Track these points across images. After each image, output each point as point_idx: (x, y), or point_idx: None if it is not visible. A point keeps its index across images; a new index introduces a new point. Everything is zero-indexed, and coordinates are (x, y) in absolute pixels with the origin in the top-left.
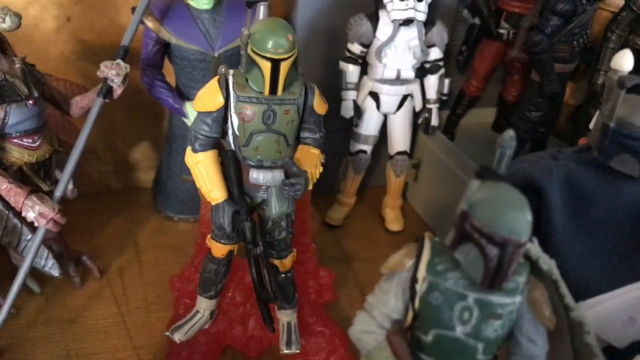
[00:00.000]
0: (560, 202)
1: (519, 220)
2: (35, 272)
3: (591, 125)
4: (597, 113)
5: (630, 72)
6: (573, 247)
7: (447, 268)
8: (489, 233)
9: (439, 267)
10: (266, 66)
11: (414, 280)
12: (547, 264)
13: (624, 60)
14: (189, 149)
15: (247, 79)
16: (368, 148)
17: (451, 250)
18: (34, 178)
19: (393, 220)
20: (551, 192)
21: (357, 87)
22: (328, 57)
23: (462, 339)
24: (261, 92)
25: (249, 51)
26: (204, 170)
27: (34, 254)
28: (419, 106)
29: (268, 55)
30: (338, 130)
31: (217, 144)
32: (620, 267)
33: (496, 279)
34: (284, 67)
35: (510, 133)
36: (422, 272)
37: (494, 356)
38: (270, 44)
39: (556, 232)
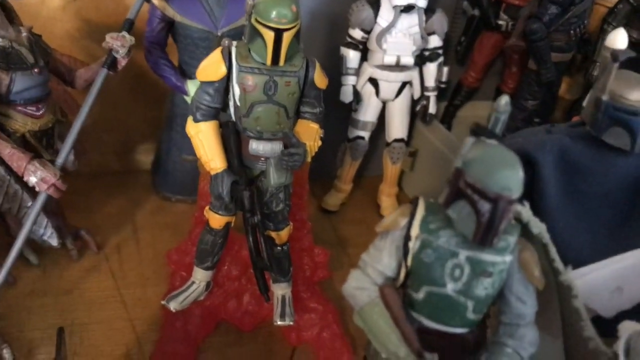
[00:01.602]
0: (553, 174)
1: (511, 177)
2: (33, 245)
3: (584, 103)
4: (591, 90)
5: (626, 63)
6: (565, 218)
7: (440, 226)
8: (482, 189)
9: (432, 226)
10: (269, 36)
11: (407, 238)
12: (538, 227)
13: (617, 38)
14: (190, 119)
15: (249, 50)
16: (366, 134)
17: (445, 208)
18: (37, 146)
19: (388, 208)
20: (544, 164)
21: (357, 72)
22: (330, 43)
23: (453, 296)
24: (263, 63)
25: (253, 21)
26: (204, 140)
27: (33, 218)
28: (417, 94)
29: (271, 24)
30: (337, 117)
31: (218, 114)
32: (611, 239)
33: (488, 235)
34: (286, 37)
35: (505, 98)
36: (415, 230)
37: (484, 316)
38: (274, 14)
39: (549, 204)
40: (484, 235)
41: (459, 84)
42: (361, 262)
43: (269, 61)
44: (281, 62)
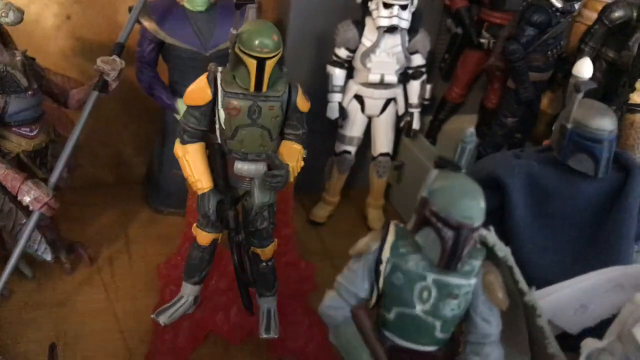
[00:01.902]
0: (521, 197)
1: (472, 206)
2: (28, 258)
3: (554, 128)
4: (558, 117)
5: (601, 81)
6: (533, 240)
7: (409, 251)
8: (445, 217)
9: (401, 250)
10: (252, 64)
11: (378, 261)
12: (503, 250)
13: (583, 67)
14: (177, 141)
15: (234, 76)
16: (352, 149)
17: (413, 234)
18: (30, 165)
19: (375, 220)
20: (513, 188)
21: (343, 90)
22: (317, 60)
23: (422, 316)
24: (247, 89)
25: (237, 50)
26: (191, 161)
27: (27, 235)
28: (401, 110)
29: (254, 54)
30: (324, 132)
31: (205, 136)
32: (577, 260)
33: (452, 260)
34: (268, 66)
35: (471, 130)
36: (386, 254)
37: (452, 334)
38: (256, 43)
39: (517, 226)
40: (449, 260)
41: (443, 99)
42: (336, 284)
43: (252, 87)
44: (264, 89)
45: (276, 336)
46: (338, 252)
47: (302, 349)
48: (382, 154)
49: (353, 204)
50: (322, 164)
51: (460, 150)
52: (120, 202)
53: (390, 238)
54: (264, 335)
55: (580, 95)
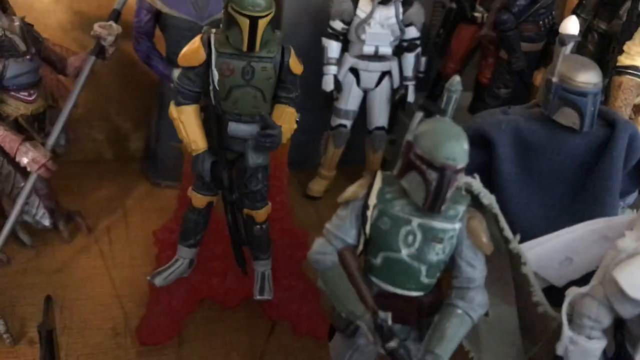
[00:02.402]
0: (508, 153)
1: (455, 148)
2: (27, 226)
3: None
4: (546, 71)
5: (594, 53)
6: (520, 195)
7: (395, 196)
8: (429, 159)
9: (387, 196)
10: (245, 23)
11: (365, 207)
12: (488, 198)
13: (569, 24)
14: (172, 103)
15: (227, 37)
16: (348, 122)
17: (398, 179)
18: (29, 130)
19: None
20: (500, 143)
21: (338, 62)
22: (313, 34)
23: (407, 260)
24: (240, 49)
25: (229, 9)
26: (186, 122)
27: (25, 196)
28: (396, 83)
29: (247, 12)
30: (320, 106)
31: (199, 98)
32: (563, 212)
33: (436, 202)
34: (261, 24)
35: (457, 78)
36: (373, 200)
37: (437, 279)
38: (249, 2)
39: (504, 181)
40: (433, 202)
41: (438, 74)
42: (324, 231)
43: (245, 47)
44: (257, 48)
45: (270, 298)
46: None
47: (295, 313)
48: (377, 128)
49: (349, 179)
50: (318, 138)
51: (447, 99)
52: (118, 175)
53: (377, 185)
54: (258, 297)
55: (565, 49)
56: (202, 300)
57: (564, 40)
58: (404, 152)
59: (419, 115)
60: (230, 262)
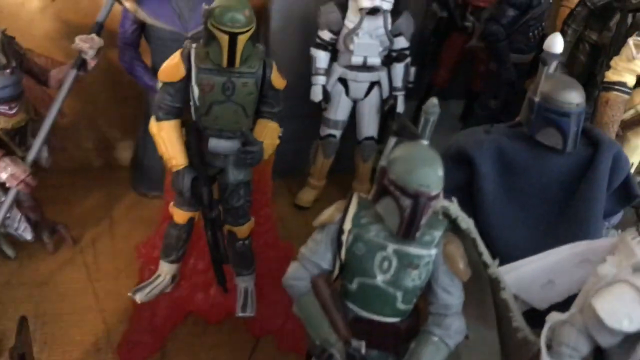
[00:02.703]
0: (490, 172)
1: (429, 174)
2: (10, 239)
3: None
4: (528, 90)
5: (585, 63)
6: (503, 215)
7: (370, 221)
8: (402, 186)
9: (363, 220)
10: (224, 39)
11: (340, 231)
12: (466, 222)
13: (553, 42)
14: (152, 119)
15: (207, 52)
16: (337, 132)
17: (373, 204)
18: (9, 144)
19: None
20: (482, 163)
21: (327, 72)
22: (302, 43)
23: (383, 287)
24: (220, 64)
25: (209, 25)
26: (166, 138)
27: (4, 213)
28: (386, 93)
29: (226, 29)
30: (309, 116)
31: (180, 113)
32: (546, 235)
33: (410, 229)
34: (240, 41)
35: (433, 101)
36: (348, 224)
37: (415, 306)
38: (228, 18)
39: (487, 201)
40: (407, 229)
41: (429, 83)
42: (299, 255)
43: (224, 63)
44: (237, 64)
45: (252, 315)
46: None
47: (280, 328)
48: (366, 138)
49: (339, 188)
50: (308, 148)
51: (424, 122)
52: (106, 185)
53: (353, 209)
54: (240, 314)
55: (548, 69)
56: (185, 315)
57: (545, 59)
58: (378, 177)
59: (392, 139)
60: (214, 276)
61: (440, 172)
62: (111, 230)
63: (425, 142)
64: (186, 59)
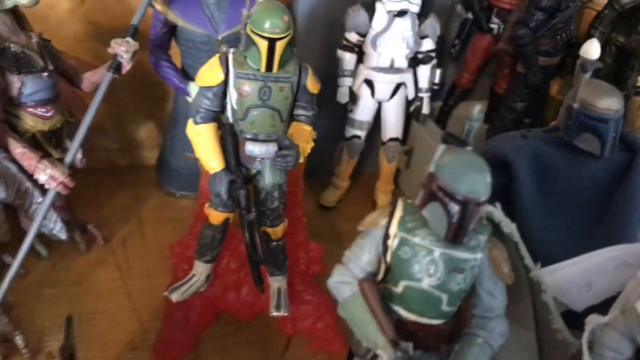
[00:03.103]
0: (527, 177)
1: (478, 181)
2: (43, 238)
3: (561, 108)
4: (565, 97)
5: (612, 66)
6: (539, 219)
7: (416, 226)
8: (451, 192)
9: (409, 225)
10: (263, 45)
11: (386, 236)
12: (509, 227)
13: (590, 48)
14: (190, 122)
15: (245, 57)
16: (362, 133)
17: (420, 209)
18: (46, 145)
19: (384, 204)
20: (519, 167)
21: (353, 74)
22: (327, 45)
23: (429, 290)
24: (258, 70)
25: (248, 31)
26: (203, 142)
27: (43, 214)
28: (411, 95)
29: (265, 34)
30: (334, 117)
31: (217, 117)
32: (582, 237)
33: (458, 234)
34: (279, 46)
35: (478, 107)
36: (394, 229)
37: (458, 308)
38: (267, 24)
39: (523, 205)
40: (455, 234)
41: (453, 84)
42: (344, 258)
43: (263, 68)
44: (274, 69)
45: (286, 314)
46: (348, 235)
47: (310, 328)
48: (391, 139)
49: (363, 189)
50: (332, 149)
51: (468, 128)
52: (133, 185)
53: (398, 213)
54: (274, 313)
55: (586, 75)
56: (217, 314)
57: (585, 66)
58: (425, 183)
59: (441, 146)
60: (245, 275)
61: (488, 178)
62: (140, 229)
63: (469, 148)
64: (224, 63)
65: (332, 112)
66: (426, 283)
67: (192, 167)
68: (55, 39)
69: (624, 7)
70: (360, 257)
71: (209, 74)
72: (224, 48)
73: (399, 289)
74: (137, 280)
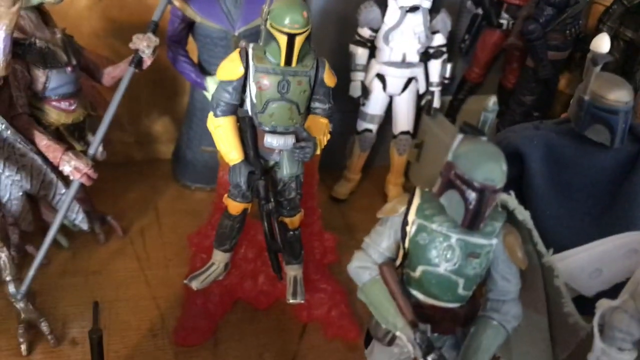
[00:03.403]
0: (539, 167)
1: (494, 169)
2: (64, 229)
3: (572, 100)
4: (576, 90)
5: (618, 60)
6: (550, 208)
7: (434, 213)
8: (469, 180)
9: (427, 212)
10: (283, 40)
11: (405, 223)
12: (523, 214)
13: (601, 42)
14: (210, 115)
15: (265, 52)
16: (374, 127)
17: (438, 197)
18: (69, 138)
19: (395, 197)
20: (531, 158)
21: (365, 69)
22: (339, 40)
23: (446, 275)
24: (277, 64)
25: (268, 26)
26: (223, 134)
27: (68, 204)
28: (422, 89)
29: (285, 29)
30: (346, 111)
31: (236, 110)
32: (592, 225)
33: (475, 220)
34: (298, 41)
35: (494, 99)
36: (412, 216)
37: (473, 292)
38: (287, 20)
39: (535, 194)
40: (472, 220)
41: (463, 79)
42: (364, 244)
43: (282, 62)
44: (293, 64)
45: (302, 301)
46: (359, 227)
47: (325, 316)
48: (402, 132)
49: (374, 181)
50: (344, 142)
51: (484, 119)
52: (149, 178)
53: (416, 201)
54: (291, 301)
55: (597, 68)
56: (235, 302)
57: (596, 60)
58: (443, 172)
59: (459, 136)
60: (262, 264)
61: (504, 166)
62: (158, 221)
63: (484, 138)
64: (244, 58)
65: (344, 106)
66: (443, 268)
67: (207, 160)
68: (74, 35)
69: (632, 2)
70: (380, 243)
71: (230, 68)
72: (243, 43)
73: (417, 273)
74: (155, 269)
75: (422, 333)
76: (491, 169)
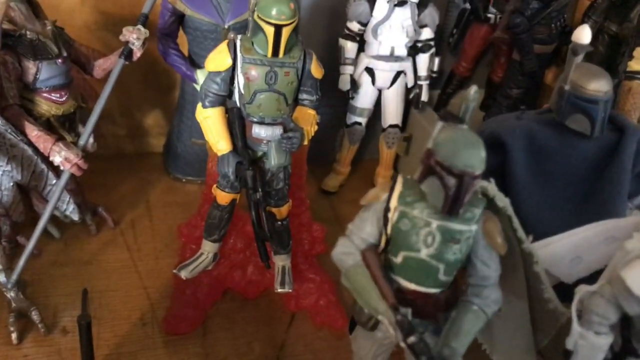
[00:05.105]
0: (521, 156)
1: (473, 155)
2: (55, 220)
3: (554, 91)
4: (557, 80)
5: (604, 54)
6: (532, 197)
7: (415, 199)
8: (448, 166)
9: (408, 199)
10: (270, 31)
11: (387, 209)
12: (503, 201)
13: (582, 34)
14: (199, 106)
15: (252, 43)
16: (363, 120)
17: (419, 184)
18: (60, 129)
19: None
20: (513, 147)
21: (354, 62)
22: (329, 34)
23: (426, 260)
24: (265, 55)
25: (255, 17)
26: (212, 124)
27: (58, 194)
28: (410, 82)
29: (272, 20)
30: (336, 105)
31: (224, 101)
32: (573, 215)
33: (454, 206)
34: (285, 32)
35: (474, 88)
36: (394, 203)
37: (454, 278)
38: (274, 11)
39: (517, 184)
40: (451, 206)
41: (451, 73)
42: (348, 231)
43: (269, 53)
44: (280, 55)
45: (290, 290)
46: (348, 218)
47: (313, 305)
48: (391, 126)
49: (363, 174)
50: (334, 135)
51: (465, 108)
52: (140, 171)
53: (398, 188)
54: (279, 290)
55: (577, 59)
56: (224, 291)
57: (576, 50)
58: (424, 159)
59: (439, 124)
60: (251, 255)
61: (483, 153)
62: (149, 213)
63: (465, 126)
64: (232, 49)
65: (334, 100)
66: (424, 253)
67: (198, 153)
68: (66, 28)
69: None
70: (363, 229)
71: (218, 59)
72: (231, 35)
73: (398, 259)
74: (146, 260)
75: (403, 316)
76: (470, 156)
